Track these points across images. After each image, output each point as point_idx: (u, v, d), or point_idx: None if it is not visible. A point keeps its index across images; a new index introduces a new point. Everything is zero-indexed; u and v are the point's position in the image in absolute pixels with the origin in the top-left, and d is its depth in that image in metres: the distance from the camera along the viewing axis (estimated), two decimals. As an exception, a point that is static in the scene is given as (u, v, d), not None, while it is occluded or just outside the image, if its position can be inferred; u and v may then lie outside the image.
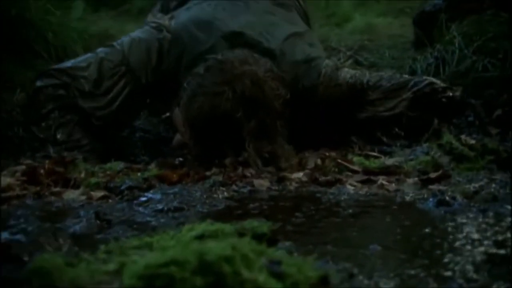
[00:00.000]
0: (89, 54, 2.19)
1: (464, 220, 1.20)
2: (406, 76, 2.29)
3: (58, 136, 2.07)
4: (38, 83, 2.11)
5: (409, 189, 1.48)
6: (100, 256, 0.92)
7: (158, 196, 1.42)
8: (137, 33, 2.19)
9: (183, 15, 2.18)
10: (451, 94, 2.16)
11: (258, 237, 0.93)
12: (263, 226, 0.98)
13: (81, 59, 2.17)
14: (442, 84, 2.21)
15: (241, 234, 0.97)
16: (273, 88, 1.87)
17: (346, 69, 2.27)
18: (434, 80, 2.25)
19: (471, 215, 1.22)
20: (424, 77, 2.28)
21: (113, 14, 3.96)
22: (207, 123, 1.82)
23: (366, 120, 2.19)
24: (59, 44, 2.66)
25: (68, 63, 2.16)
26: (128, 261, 0.80)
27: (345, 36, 3.66)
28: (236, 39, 2.07)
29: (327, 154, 1.96)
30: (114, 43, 2.17)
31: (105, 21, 3.73)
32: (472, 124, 2.13)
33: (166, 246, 0.89)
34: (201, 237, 0.96)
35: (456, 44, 2.45)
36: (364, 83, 2.20)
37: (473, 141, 1.78)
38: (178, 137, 2.03)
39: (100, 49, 2.17)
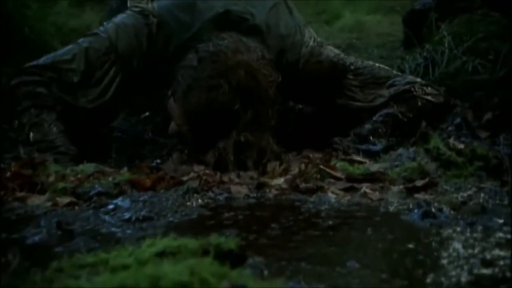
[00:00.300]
0: (70, 46, 2.08)
1: (451, 235, 1.12)
2: (391, 71, 2.22)
3: (31, 136, 1.97)
4: (16, 81, 2.02)
5: (393, 198, 1.39)
6: (49, 275, 0.84)
7: (126, 204, 1.33)
8: (120, 19, 2.08)
9: None
10: (433, 93, 2.09)
11: (222, 256, 0.85)
12: (230, 242, 0.89)
13: (63, 52, 2.06)
14: (423, 82, 2.14)
15: (206, 251, 0.88)
16: (266, 75, 1.86)
17: (330, 48, 2.21)
18: (416, 79, 2.18)
19: (458, 229, 1.15)
20: (406, 75, 2.21)
21: (97, 9, 3.86)
22: (205, 117, 1.80)
23: (343, 107, 2.13)
24: (36, 38, 2.55)
25: (48, 59, 2.05)
26: (73, 285, 0.72)
27: (334, 34, 3.60)
28: (221, 20, 2.00)
29: (310, 156, 1.88)
30: (97, 31, 2.07)
31: (89, 15, 3.64)
32: (460, 127, 2.05)
33: (119, 266, 0.80)
34: (161, 254, 0.87)
35: (446, 44, 2.38)
36: (346, 65, 2.15)
37: (461, 146, 1.70)
38: (173, 125, 1.97)
39: (82, 39, 2.07)
